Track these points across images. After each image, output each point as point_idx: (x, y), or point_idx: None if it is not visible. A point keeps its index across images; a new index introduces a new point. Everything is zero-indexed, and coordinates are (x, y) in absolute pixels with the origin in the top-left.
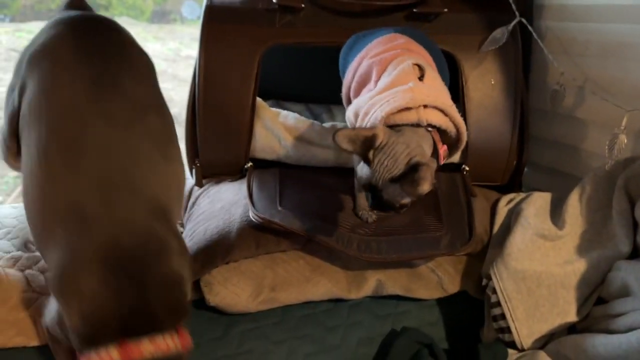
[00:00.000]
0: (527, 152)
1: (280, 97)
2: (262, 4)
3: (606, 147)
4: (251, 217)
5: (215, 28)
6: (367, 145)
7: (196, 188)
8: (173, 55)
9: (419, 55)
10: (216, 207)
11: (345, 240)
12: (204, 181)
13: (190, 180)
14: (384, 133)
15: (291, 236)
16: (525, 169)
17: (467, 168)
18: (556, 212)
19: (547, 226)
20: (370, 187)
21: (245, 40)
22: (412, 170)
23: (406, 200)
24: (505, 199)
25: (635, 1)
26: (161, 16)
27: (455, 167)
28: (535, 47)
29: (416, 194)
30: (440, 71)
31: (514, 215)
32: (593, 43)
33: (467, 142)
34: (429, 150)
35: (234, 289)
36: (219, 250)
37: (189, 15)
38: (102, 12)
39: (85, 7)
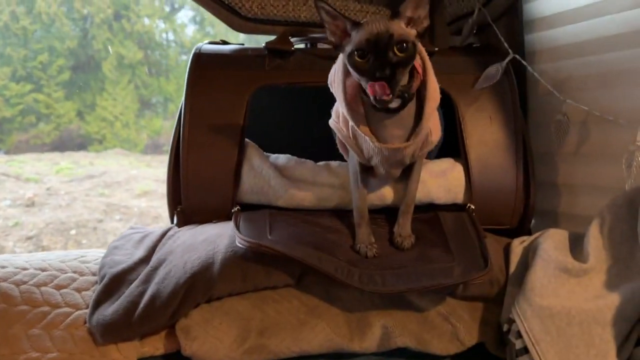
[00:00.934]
0: (534, 192)
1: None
2: (251, 51)
3: (623, 166)
4: (237, 243)
5: (203, 72)
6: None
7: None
8: (163, 176)
9: None
10: (198, 239)
11: (345, 272)
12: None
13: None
14: None
15: (283, 267)
16: (533, 219)
17: (472, 207)
18: (577, 247)
19: (569, 260)
20: (375, 44)
21: (233, 82)
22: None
23: (410, 35)
24: (518, 239)
25: (628, 28)
26: (154, 148)
27: (460, 209)
28: (531, 89)
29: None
30: None
31: (531, 251)
32: (592, 76)
33: (470, 180)
34: None
35: (215, 333)
36: (200, 284)
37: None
38: (96, 146)
39: None
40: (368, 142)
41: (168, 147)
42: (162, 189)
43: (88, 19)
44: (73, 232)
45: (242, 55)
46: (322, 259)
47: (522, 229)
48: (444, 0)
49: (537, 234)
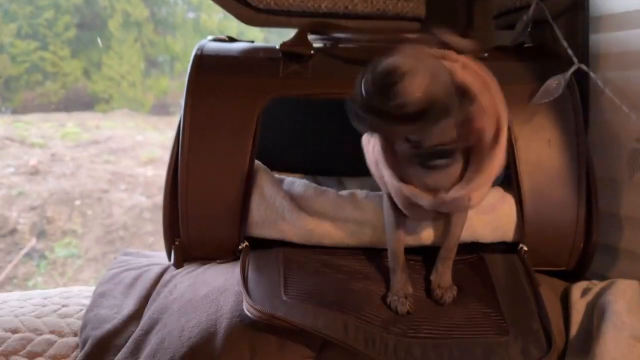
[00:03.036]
0: (597, 229)
1: (280, 168)
2: (263, 53)
3: None
4: (245, 310)
5: (205, 79)
6: None
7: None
8: (170, 142)
9: None
10: (199, 293)
11: (377, 343)
12: (185, 264)
13: (163, 259)
14: None
15: (300, 339)
16: None
17: (525, 248)
18: None
19: None
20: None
21: (241, 92)
22: None
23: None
24: (577, 288)
25: None
26: (161, 108)
27: (509, 248)
28: (594, 104)
29: None
30: None
31: (596, 310)
32: None
33: (523, 215)
34: None
35: None
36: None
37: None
38: (103, 105)
39: None
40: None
41: (175, 109)
42: (169, 156)
43: None
44: (78, 202)
45: (253, 58)
46: (348, 327)
47: (580, 271)
48: None
49: (602, 285)
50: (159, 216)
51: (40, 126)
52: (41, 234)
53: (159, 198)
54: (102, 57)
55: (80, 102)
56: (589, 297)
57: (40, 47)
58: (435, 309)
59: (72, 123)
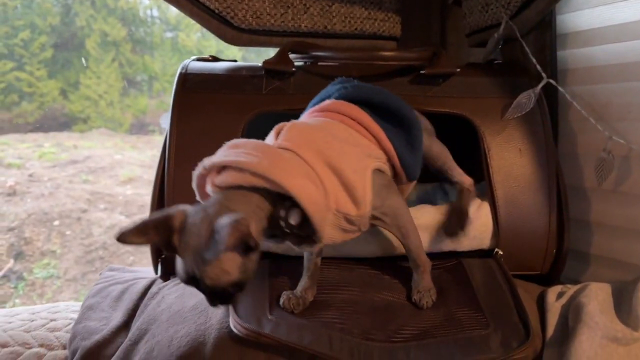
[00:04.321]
0: (569, 234)
1: None
2: (246, 71)
3: None
4: (232, 327)
5: (190, 97)
6: (164, 230)
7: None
8: (149, 161)
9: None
10: (187, 304)
11: (362, 352)
12: (172, 277)
13: (148, 273)
14: (182, 212)
15: (288, 353)
16: None
17: (500, 252)
18: (623, 305)
19: (619, 327)
20: (194, 282)
21: (225, 108)
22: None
23: (230, 276)
24: (552, 292)
25: None
26: (140, 127)
27: (486, 254)
28: (562, 113)
29: (220, 253)
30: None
31: (571, 312)
32: (636, 105)
33: (497, 221)
34: (247, 208)
35: None
36: None
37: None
38: (81, 125)
39: None
40: None
41: (154, 128)
42: (148, 175)
43: None
44: (56, 222)
45: (236, 76)
46: (333, 341)
47: (554, 275)
48: (462, 9)
49: (576, 288)
50: None
51: (17, 147)
52: (19, 255)
53: (139, 217)
54: (80, 76)
55: (57, 122)
56: (564, 300)
57: (16, 68)
58: (417, 312)
59: (49, 143)
